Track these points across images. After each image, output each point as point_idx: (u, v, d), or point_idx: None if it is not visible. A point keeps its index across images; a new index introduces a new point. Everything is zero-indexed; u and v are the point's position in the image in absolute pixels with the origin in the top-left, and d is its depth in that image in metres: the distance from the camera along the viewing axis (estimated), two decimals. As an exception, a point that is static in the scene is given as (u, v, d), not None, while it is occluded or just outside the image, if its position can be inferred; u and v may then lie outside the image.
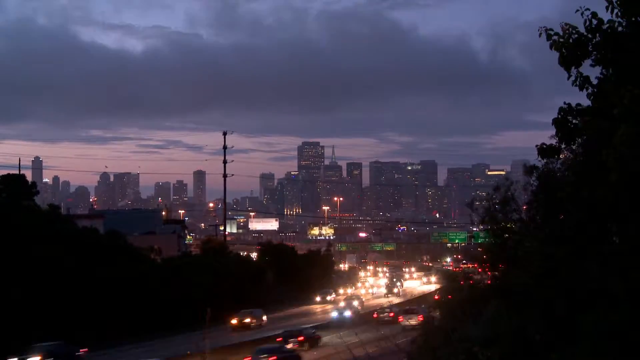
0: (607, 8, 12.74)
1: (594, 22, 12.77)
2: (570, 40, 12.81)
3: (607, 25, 12.73)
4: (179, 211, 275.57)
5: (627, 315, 13.53)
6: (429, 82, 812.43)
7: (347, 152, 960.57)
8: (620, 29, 12.76)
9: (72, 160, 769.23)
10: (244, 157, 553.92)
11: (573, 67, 12.91)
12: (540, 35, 13.10)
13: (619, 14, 12.69)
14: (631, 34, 12.62)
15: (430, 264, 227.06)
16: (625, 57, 12.58)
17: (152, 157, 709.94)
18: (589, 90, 13.17)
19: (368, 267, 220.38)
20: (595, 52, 12.90)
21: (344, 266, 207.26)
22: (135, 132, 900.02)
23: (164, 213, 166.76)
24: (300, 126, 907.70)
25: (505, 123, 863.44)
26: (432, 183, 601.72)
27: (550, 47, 13.04)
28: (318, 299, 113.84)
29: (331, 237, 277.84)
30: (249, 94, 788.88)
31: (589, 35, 12.83)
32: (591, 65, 13.06)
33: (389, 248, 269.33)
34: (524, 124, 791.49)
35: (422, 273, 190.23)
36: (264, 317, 79.89)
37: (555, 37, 12.98)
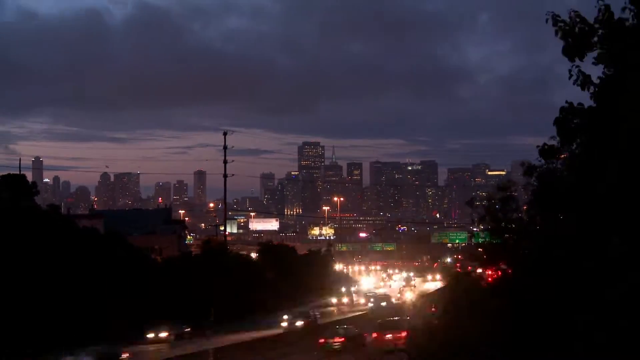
0: (623, 9, 12.62)
1: (607, 15, 12.63)
2: (576, 30, 12.67)
3: (617, 19, 12.60)
4: (180, 211, 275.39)
5: (627, 316, 13.47)
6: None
7: (370, 152, 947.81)
8: (628, 22, 12.63)
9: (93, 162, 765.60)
10: (270, 157, 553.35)
11: (574, 65, 12.82)
12: (547, 21, 12.97)
13: (631, 10, 12.57)
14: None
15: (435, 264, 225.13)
16: (630, 52, 12.46)
17: (180, 157, 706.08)
18: (591, 90, 13.08)
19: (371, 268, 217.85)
20: (599, 46, 12.79)
21: (348, 268, 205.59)
22: (170, 134, 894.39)
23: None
24: (317, 125, 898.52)
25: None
26: (433, 183, 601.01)
27: (556, 34, 12.91)
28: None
29: (331, 237, 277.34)
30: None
31: (596, 26, 12.70)
32: (593, 64, 12.96)
33: (389, 248, 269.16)
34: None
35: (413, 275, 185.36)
36: None
37: (562, 24, 12.86)
